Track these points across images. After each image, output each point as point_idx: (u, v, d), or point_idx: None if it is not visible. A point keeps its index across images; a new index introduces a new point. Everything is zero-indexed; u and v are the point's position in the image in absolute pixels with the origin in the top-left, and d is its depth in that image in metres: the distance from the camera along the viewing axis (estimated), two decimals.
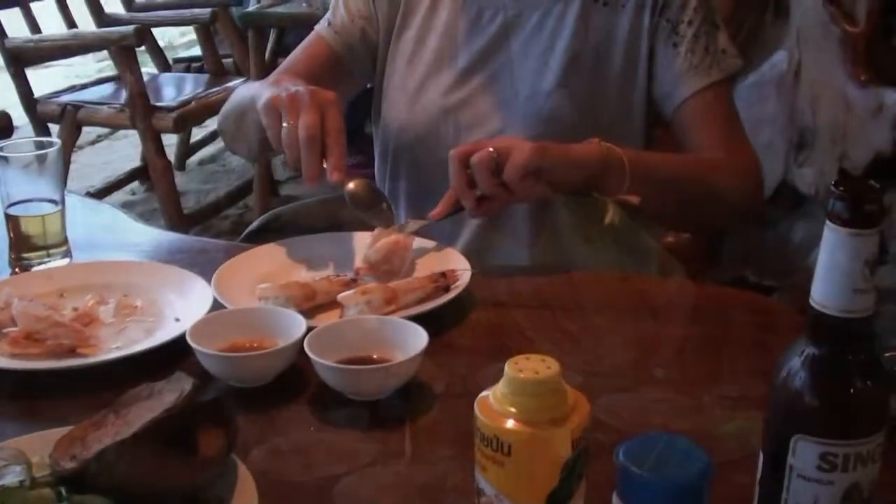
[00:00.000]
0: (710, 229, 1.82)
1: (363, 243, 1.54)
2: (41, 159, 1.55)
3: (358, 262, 1.50)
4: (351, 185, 1.55)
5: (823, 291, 0.83)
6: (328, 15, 1.87)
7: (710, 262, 2.80)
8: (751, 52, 3.08)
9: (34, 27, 4.58)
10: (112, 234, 1.77)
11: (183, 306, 1.40)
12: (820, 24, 2.77)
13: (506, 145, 1.45)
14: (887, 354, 1.17)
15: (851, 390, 0.83)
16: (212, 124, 5.51)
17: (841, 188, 0.81)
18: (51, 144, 1.57)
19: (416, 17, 1.80)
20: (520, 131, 1.64)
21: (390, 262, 1.48)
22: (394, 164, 1.82)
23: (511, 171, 1.44)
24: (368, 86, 1.89)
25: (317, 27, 1.87)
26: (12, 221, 1.57)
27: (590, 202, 1.55)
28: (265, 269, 1.50)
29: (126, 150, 5.89)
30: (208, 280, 1.43)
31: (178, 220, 4.26)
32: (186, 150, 5.48)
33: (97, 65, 7.89)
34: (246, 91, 1.73)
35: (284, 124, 1.47)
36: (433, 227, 1.63)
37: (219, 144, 5.80)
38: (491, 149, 1.44)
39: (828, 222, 0.82)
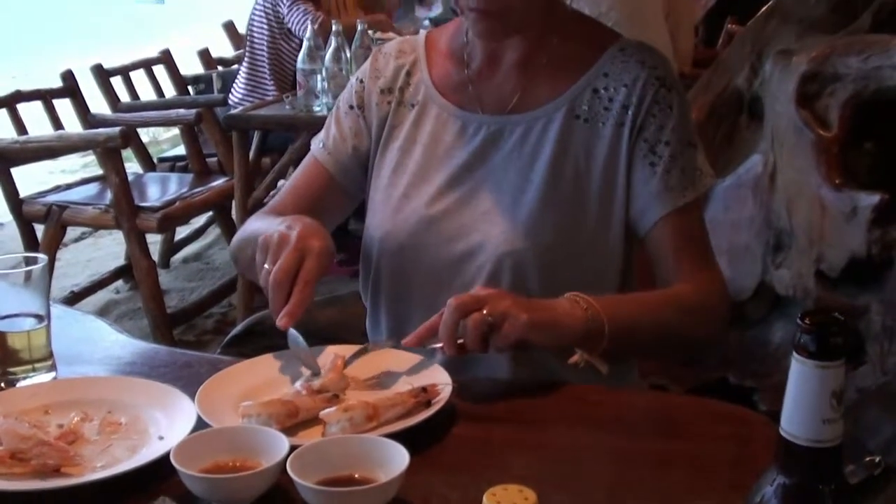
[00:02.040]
0: (676, 358, 1.84)
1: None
2: (28, 275, 1.57)
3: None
4: (291, 331, 1.58)
5: (792, 421, 0.85)
6: (322, 135, 1.92)
7: (691, 364, 2.83)
8: (726, 155, 3.14)
9: (20, 128, 4.63)
10: (96, 347, 1.78)
11: (167, 424, 1.41)
12: (794, 128, 2.83)
13: (502, 311, 1.45)
14: (866, 459, 1.18)
15: None
16: (196, 222, 5.58)
17: (807, 321, 0.84)
18: (36, 260, 1.59)
19: (402, 129, 1.84)
20: (501, 243, 1.67)
21: (336, 385, 1.49)
22: (376, 271, 1.84)
23: (501, 342, 1.46)
24: None
25: (313, 148, 1.92)
26: None
27: None
28: (249, 384, 1.51)
29: (110, 247, 5.92)
30: (192, 395, 1.44)
31: (162, 319, 4.28)
32: (171, 247, 5.51)
33: (82, 160, 7.95)
34: (258, 223, 1.78)
35: (266, 266, 1.55)
36: None
37: (202, 242, 5.84)
38: (485, 311, 1.45)
39: (795, 354, 0.84)
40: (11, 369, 1.59)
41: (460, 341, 1.48)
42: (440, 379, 1.48)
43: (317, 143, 1.92)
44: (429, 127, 1.82)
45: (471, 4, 1.68)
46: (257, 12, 5.44)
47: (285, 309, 1.51)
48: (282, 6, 5.32)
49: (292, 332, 1.58)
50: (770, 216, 2.92)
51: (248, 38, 5.53)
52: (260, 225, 1.75)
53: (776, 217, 2.89)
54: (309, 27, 4.36)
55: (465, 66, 1.82)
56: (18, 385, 1.57)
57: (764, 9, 3.34)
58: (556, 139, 1.73)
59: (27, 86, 4.89)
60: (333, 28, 4.20)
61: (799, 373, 0.84)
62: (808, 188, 2.75)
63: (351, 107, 1.89)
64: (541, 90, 1.76)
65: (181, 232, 5.60)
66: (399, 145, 1.83)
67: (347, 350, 1.59)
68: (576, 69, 1.76)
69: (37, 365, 1.60)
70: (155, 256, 4.63)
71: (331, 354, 1.58)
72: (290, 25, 5.32)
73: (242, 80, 5.49)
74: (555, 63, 1.76)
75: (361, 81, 1.90)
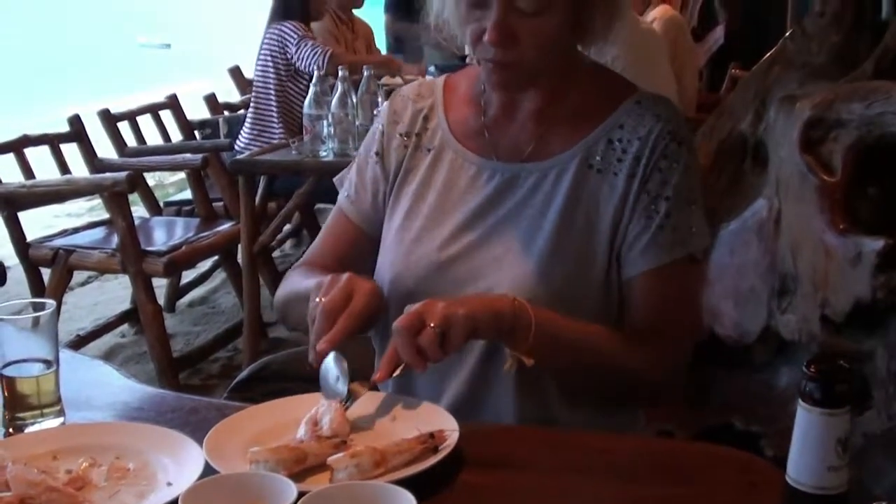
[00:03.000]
0: (618, 403, 1.84)
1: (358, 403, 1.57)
2: (36, 321, 1.58)
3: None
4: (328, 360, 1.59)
5: (798, 468, 0.86)
6: (346, 183, 1.95)
7: (696, 409, 2.83)
8: (731, 200, 3.15)
9: (28, 172, 4.65)
10: (104, 392, 1.79)
11: (175, 470, 1.41)
12: (798, 173, 2.84)
13: (442, 316, 1.52)
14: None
15: None
16: (202, 266, 5.59)
17: (812, 369, 0.85)
18: (44, 306, 1.60)
19: (417, 173, 1.85)
20: (511, 289, 1.67)
21: (341, 430, 1.50)
22: (384, 313, 1.85)
23: (455, 342, 1.53)
24: None
25: (340, 197, 1.95)
26: (7, 382, 1.59)
27: None
28: (257, 430, 1.52)
29: (116, 291, 5.93)
30: (200, 441, 1.44)
31: (168, 363, 4.28)
32: (176, 291, 5.51)
33: (88, 204, 7.98)
34: (302, 282, 1.81)
35: (316, 299, 1.59)
36: (418, 383, 1.68)
37: (208, 286, 5.85)
38: (431, 324, 1.51)
39: (800, 402, 0.85)
40: (20, 415, 1.59)
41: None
42: (447, 424, 1.49)
43: (342, 192, 1.95)
44: (444, 171, 1.83)
45: (486, 56, 1.69)
46: (264, 55, 5.48)
47: (327, 335, 1.55)
48: (290, 46, 5.36)
49: (330, 358, 1.58)
50: (775, 261, 2.92)
51: (255, 81, 5.57)
52: (306, 282, 1.77)
53: (781, 262, 2.89)
54: (316, 72, 4.39)
55: (482, 113, 1.83)
56: (27, 430, 1.58)
57: (767, 55, 3.36)
58: (569, 188, 1.73)
59: (34, 130, 4.90)
60: (340, 73, 4.23)
61: (804, 420, 0.85)
62: (812, 233, 2.76)
63: (374, 153, 1.91)
64: (556, 140, 1.77)
65: (187, 276, 5.61)
66: (414, 189, 1.85)
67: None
68: (592, 120, 1.76)
69: (45, 410, 1.60)
70: (160, 300, 4.63)
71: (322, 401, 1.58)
72: (299, 63, 5.36)
73: (249, 125, 5.52)
74: (571, 114, 1.78)
75: (382, 129, 1.92)
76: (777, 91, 3.10)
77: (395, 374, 1.57)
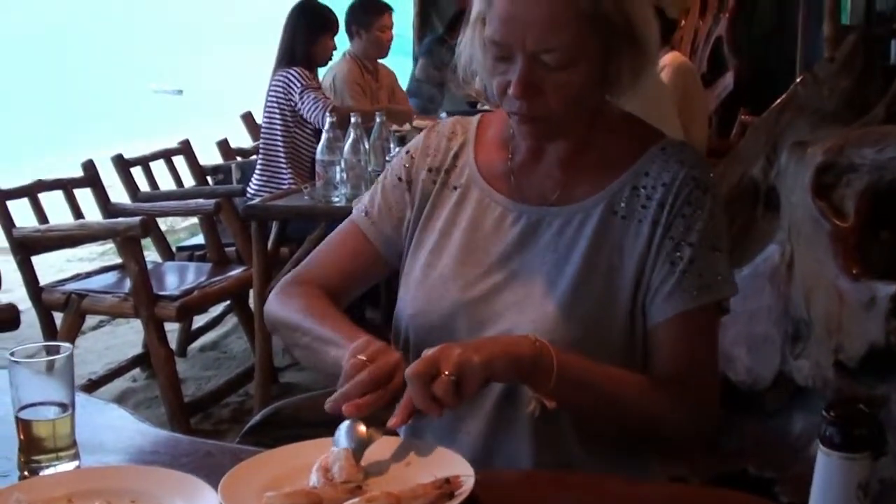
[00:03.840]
0: (640, 448, 1.83)
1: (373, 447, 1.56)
2: (50, 364, 1.59)
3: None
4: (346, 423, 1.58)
5: None
6: (365, 203, 1.94)
7: (710, 455, 2.82)
8: (743, 245, 3.15)
9: (42, 216, 4.67)
10: (118, 436, 1.79)
11: None
12: (810, 219, 2.84)
13: (457, 364, 1.51)
14: None
15: None
16: (214, 311, 5.59)
17: (832, 413, 0.84)
18: (59, 350, 1.60)
19: (444, 211, 1.86)
20: (531, 332, 1.66)
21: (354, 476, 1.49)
22: (404, 349, 1.85)
23: (470, 390, 1.52)
24: None
25: (353, 214, 1.94)
26: (23, 425, 1.59)
27: None
28: (272, 474, 1.51)
29: (127, 335, 5.92)
30: (215, 485, 1.44)
31: (179, 408, 4.28)
32: (188, 336, 5.51)
33: (100, 248, 8.00)
34: (306, 311, 1.82)
35: (361, 357, 1.58)
36: (433, 425, 1.68)
37: (220, 331, 5.86)
38: (446, 372, 1.50)
39: (820, 446, 0.85)
40: (36, 457, 1.59)
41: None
42: (462, 469, 1.48)
43: (359, 210, 1.94)
44: (469, 211, 1.84)
45: (512, 108, 1.71)
46: (271, 102, 5.50)
47: (359, 399, 1.54)
48: (294, 94, 5.39)
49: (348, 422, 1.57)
50: (788, 306, 2.92)
51: (263, 127, 5.60)
52: (311, 318, 1.80)
53: (794, 307, 2.89)
54: (327, 119, 4.42)
55: (509, 157, 1.84)
56: (42, 474, 1.58)
57: (778, 101, 3.38)
58: (593, 234, 1.74)
59: (48, 175, 4.93)
60: (352, 120, 4.25)
61: (825, 465, 0.84)
62: (825, 278, 2.76)
63: (399, 178, 1.91)
64: (582, 185, 1.78)
65: (198, 321, 5.62)
66: (440, 226, 1.85)
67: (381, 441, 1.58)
68: (617, 167, 1.77)
69: (60, 454, 1.60)
70: (172, 345, 4.63)
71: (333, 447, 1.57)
72: (303, 113, 5.39)
73: (259, 170, 5.54)
74: (598, 161, 1.78)
75: (412, 156, 1.92)
76: (788, 136, 3.12)
77: (411, 421, 1.56)
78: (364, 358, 1.58)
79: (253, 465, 1.54)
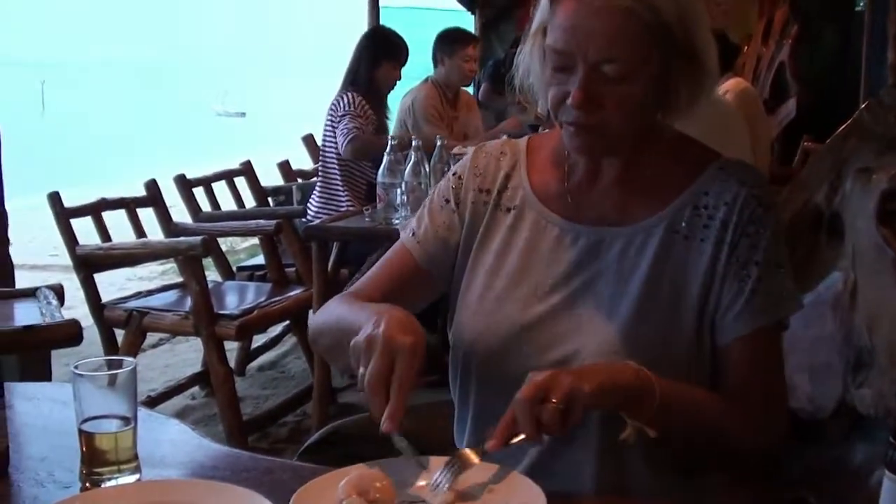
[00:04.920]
0: (719, 468, 1.83)
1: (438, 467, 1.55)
2: (114, 378, 1.61)
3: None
4: (396, 439, 1.57)
5: None
6: (413, 224, 1.94)
7: (770, 482, 2.78)
8: (805, 272, 3.12)
9: (105, 235, 4.73)
10: (179, 450, 1.81)
11: None
12: (874, 246, 2.81)
13: (566, 392, 1.49)
14: None
15: None
16: (273, 331, 5.63)
17: None
18: (122, 364, 1.62)
19: (498, 233, 1.86)
20: (596, 355, 1.68)
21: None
22: (464, 373, 1.85)
23: (576, 419, 1.51)
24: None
25: (403, 236, 1.94)
26: (86, 438, 1.61)
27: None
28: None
29: (186, 353, 5.99)
30: (274, 502, 1.45)
31: (237, 426, 4.31)
32: (247, 355, 5.56)
33: (160, 267, 8.10)
34: (341, 309, 1.81)
35: (361, 370, 1.55)
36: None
37: (279, 350, 5.90)
38: (554, 400, 1.48)
39: (886, 472, 0.84)
40: (97, 470, 1.61)
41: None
42: (531, 492, 1.46)
43: (407, 231, 1.94)
44: (525, 232, 1.83)
45: (569, 118, 1.70)
46: (327, 126, 5.55)
47: (386, 413, 1.51)
48: (336, 116, 5.44)
49: (396, 437, 1.56)
50: (851, 334, 2.88)
51: (322, 149, 5.64)
52: (344, 311, 1.77)
53: (857, 335, 2.85)
54: (347, 148, 4.43)
55: (565, 177, 1.84)
56: (103, 486, 1.59)
57: (842, 127, 3.34)
58: (655, 254, 1.74)
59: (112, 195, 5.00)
60: (413, 143, 4.28)
61: (891, 491, 0.83)
62: (889, 306, 2.72)
63: (447, 200, 1.91)
64: (640, 206, 1.78)
65: (257, 340, 5.66)
66: (495, 248, 1.85)
67: (440, 461, 1.56)
68: (675, 186, 1.77)
69: (122, 466, 1.61)
70: (231, 364, 4.66)
71: (429, 464, 1.56)
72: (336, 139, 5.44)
73: (318, 192, 5.59)
74: (654, 180, 1.78)
75: (460, 178, 1.92)
76: (853, 163, 3.08)
77: (511, 443, 1.53)
78: (362, 371, 1.54)
79: (326, 481, 1.53)
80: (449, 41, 6.36)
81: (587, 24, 1.64)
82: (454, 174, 1.94)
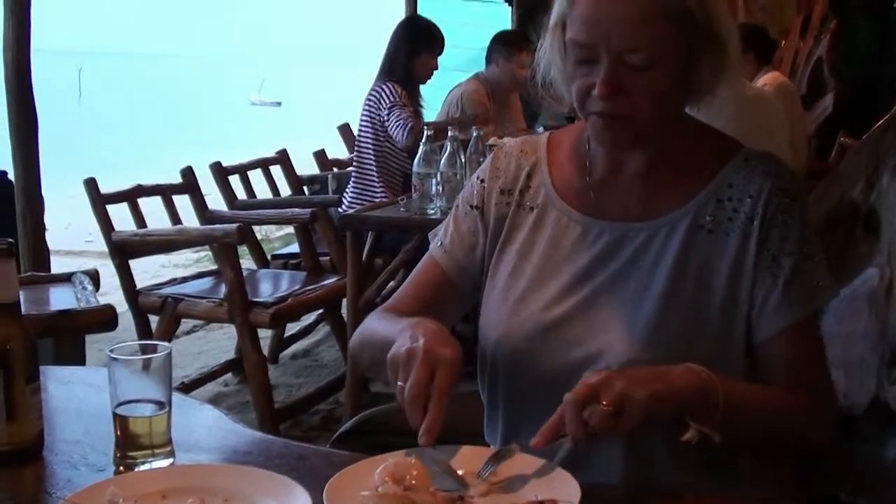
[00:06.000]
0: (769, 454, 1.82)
1: (476, 457, 1.55)
2: (149, 363, 1.62)
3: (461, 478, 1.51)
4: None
5: None
6: (440, 233, 1.95)
7: (804, 478, 2.77)
8: (840, 268, 3.10)
9: (140, 221, 4.76)
10: (212, 435, 1.82)
11: None
12: None
13: (619, 395, 1.47)
14: None
15: None
16: (306, 319, 5.65)
17: None
18: (157, 349, 1.63)
19: (521, 232, 1.85)
20: (621, 352, 1.67)
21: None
22: (492, 372, 1.85)
23: (627, 425, 1.48)
24: None
25: (431, 247, 1.95)
26: (120, 421, 1.62)
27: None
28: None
29: (220, 341, 6.02)
30: (306, 486, 1.45)
31: (270, 414, 4.33)
32: (280, 343, 5.58)
33: (195, 255, 8.14)
34: (378, 324, 1.82)
35: (399, 383, 1.54)
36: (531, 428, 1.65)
37: (312, 339, 5.92)
38: (604, 402, 1.47)
39: None
40: (131, 453, 1.62)
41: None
42: (567, 486, 1.45)
43: (435, 242, 1.95)
44: (548, 231, 1.82)
45: (596, 109, 1.69)
46: (364, 116, 5.56)
47: (424, 426, 1.50)
48: (383, 109, 5.43)
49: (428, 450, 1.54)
50: (886, 331, 2.86)
51: (357, 139, 5.66)
52: (380, 326, 1.78)
53: (892, 331, 2.83)
54: (406, 138, 4.43)
55: (586, 172, 1.83)
56: (137, 469, 1.61)
57: (880, 122, 3.32)
58: (679, 249, 1.72)
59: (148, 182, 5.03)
60: (450, 133, 4.28)
61: None
62: None
63: (472, 206, 1.91)
64: (663, 199, 1.76)
65: (291, 328, 5.68)
66: (517, 248, 1.84)
67: (475, 451, 1.57)
68: (699, 179, 1.76)
69: (156, 450, 1.63)
70: (264, 351, 4.69)
71: (463, 454, 1.56)
72: (388, 128, 5.43)
73: (353, 182, 5.60)
74: (678, 173, 1.77)
75: (482, 182, 1.92)
76: (890, 158, 3.06)
77: (555, 443, 1.52)
78: (401, 384, 1.54)
79: (361, 469, 1.53)
80: (506, 43, 6.34)
81: (608, 14, 1.63)
82: (478, 178, 1.94)
